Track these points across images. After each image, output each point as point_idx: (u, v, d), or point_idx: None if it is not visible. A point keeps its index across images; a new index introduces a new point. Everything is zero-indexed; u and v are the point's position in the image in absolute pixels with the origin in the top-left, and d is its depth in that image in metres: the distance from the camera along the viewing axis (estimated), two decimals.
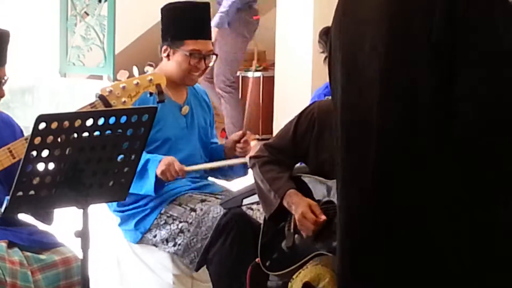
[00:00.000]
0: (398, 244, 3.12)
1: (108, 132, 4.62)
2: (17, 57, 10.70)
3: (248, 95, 5.91)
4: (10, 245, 4.91)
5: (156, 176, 5.59)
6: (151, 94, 5.25)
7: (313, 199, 4.78)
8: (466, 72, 2.80)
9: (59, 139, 4.46)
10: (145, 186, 5.62)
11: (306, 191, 4.85)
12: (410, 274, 3.11)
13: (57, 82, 10.91)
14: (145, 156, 5.52)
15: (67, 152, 4.51)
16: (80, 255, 4.72)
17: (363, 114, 3.11)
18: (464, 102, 2.81)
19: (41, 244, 5.08)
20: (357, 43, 3.10)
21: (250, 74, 12.04)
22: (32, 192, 4.54)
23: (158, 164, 5.61)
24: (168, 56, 5.93)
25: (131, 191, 5.32)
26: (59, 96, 10.39)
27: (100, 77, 10.57)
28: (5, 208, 4.62)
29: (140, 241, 5.82)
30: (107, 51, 10.77)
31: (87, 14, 11.12)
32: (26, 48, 10.40)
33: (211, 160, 6.20)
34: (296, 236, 4.88)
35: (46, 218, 5.11)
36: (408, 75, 2.93)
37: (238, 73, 12.56)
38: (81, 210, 4.62)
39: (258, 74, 11.83)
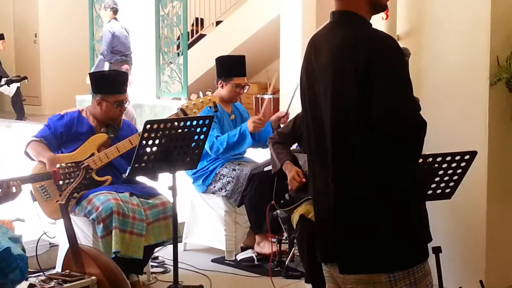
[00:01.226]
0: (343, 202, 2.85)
1: (186, 130, 4.73)
2: (131, 86, 10.73)
3: (264, 108, 5.85)
4: (131, 194, 4.96)
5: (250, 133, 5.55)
6: (210, 107, 5.29)
7: (299, 167, 4.75)
8: (375, 96, 2.67)
9: (158, 134, 4.60)
10: (246, 143, 5.60)
11: (296, 162, 4.81)
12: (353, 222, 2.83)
13: (155, 101, 10.89)
14: (235, 131, 5.64)
15: (162, 141, 4.64)
16: (171, 200, 4.83)
17: (321, 123, 2.88)
18: (375, 112, 2.66)
19: (149, 193, 5.11)
20: (313, 80, 2.91)
21: (265, 96, 11.99)
22: (143, 164, 4.68)
23: (246, 128, 5.57)
24: (222, 86, 5.86)
25: (236, 152, 5.75)
26: (156, 109, 10.37)
27: (179, 99, 10.60)
28: (128, 173, 4.76)
29: (205, 191, 5.83)
30: (183, 84, 10.73)
31: (171, 63, 11.10)
32: (137, 80, 10.42)
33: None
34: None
35: (153, 178, 5.14)
36: (344, 99, 2.75)
37: (257, 95, 12.29)
38: (171, 175, 4.76)
39: (270, 96, 11.76)
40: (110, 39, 11.02)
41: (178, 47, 11.25)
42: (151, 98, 11.06)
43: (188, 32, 12.48)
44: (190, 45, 12.20)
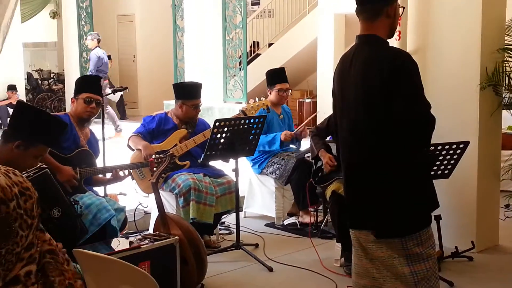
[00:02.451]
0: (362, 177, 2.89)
1: (245, 126, 4.74)
2: (205, 92, 10.80)
3: (296, 130, 5.79)
4: (204, 175, 4.99)
5: (280, 140, 5.53)
6: (263, 109, 5.29)
7: (332, 154, 4.68)
8: (399, 100, 2.70)
9: (224, 129, 4.60)
10: (275, 146, 5.56)
11: (329, 150, 4.74)
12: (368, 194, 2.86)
13: (222, 105, 10.96)
14: (271, 135, 5.61)
15: (228, 135, 4.64)
16: (234, 179, 4.86)
17: (346, 120, 2.93)
18: (399, 112, 2.70)
19: (218, 174, 5.15)
20: (344, 88, 2.94)
21: (306, 100, 11.99)
22: (213, 152, 4.68)
23: (279, 136, 5.55)
24: (270, 92, 5.81)
25: (266, 149, 5.65)
26: (222, 111, 10.42)
27: (241, 103, 10.62)
28: (202, 159, 4.81)
29: (260, 173, 5.83)
30: (243, 91, 10.78)
31: (235, 75, 11.15)
32: (209, 88, 10.49)
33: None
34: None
35: (225, 160, 5.04)
36: (372, 101, 2.78)
37: (300, 99, 12.22)
38: (235, 160, 4.78)
39: (309, 100, 11.69)
40: (96, 61, 11.56)
41: (240, 63, 11.29)
42: (219, 102, 11.15)
43: (248, 52, 12.54)
44: (249, 62, 12.24)
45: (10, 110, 12.07)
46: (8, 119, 10.48)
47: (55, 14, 15.94)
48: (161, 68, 14.22)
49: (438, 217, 4.46)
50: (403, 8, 2.98)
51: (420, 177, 2.84)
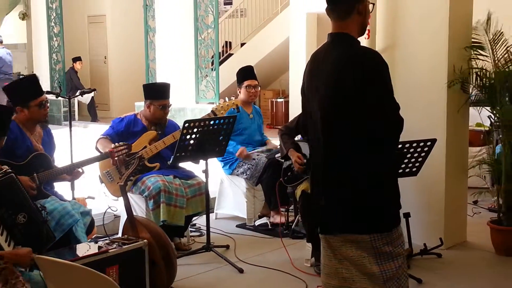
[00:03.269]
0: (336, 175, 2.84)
1: (215, 126, 4.70)
2: (177, 93, 10.70)
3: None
4: (174, 176, 4.93)
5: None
6: (233, 109, 5.25)
7: (301, 153, 4.66)
8: (370, 101, 2.67)
9: (194, 130, 4.56)
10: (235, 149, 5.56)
11: (298, 149, 4.71)
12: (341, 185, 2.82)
13: (194, 105, 10.88)
14: (234, 143, 5.61)
15: (197, 136, 4.59)
16: (204, 180, 4.82)
17: (315, 119, 2.88)
18: (370, 112, 2.67)
19: (188, 175, 5.08)
20: (314, 87, 2.88)
21: (279, 100, 11.99)
22: (183, 154, 4.63)
23: (237, 149, 5.61)
24: (240, 91, 5.83)
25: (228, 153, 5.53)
26: (195, 111, 10.35)
27: (213, 103, 10.56)
28: (171, 160, 4.73)
29: (231, 174, 5.80)
30: (215, 91, 10.71)
31: (207, 76, 11.09)
32: (181, 88, 10.40)
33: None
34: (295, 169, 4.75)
35: (195, 162, 4.95)
36: (343, 100, 2.73)
37: (272, 99, 12.30)
38: (205, 161, 4.75)
39: (282, 100, 11.65)
40: None
41: (212, 63, 11.24)
42: (192, 103, 11.06)
43: (220, 52, 12.50)
44: (221, 62, 12.22)
45: None
46: None
47: (25, 15, 15.68)
48: (132, 69, 14.11)
49: (407, 215, 4.49)
50: (373, 4, 2.91)
51: (390, 177, 2.83)
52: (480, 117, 5.21)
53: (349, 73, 2.71)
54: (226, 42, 13.92)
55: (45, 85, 14.24)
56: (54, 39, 14.32)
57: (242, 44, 13.53)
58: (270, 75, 12.97)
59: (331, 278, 2.90)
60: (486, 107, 4.88)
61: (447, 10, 4.69)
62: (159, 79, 11.51)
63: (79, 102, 14.33)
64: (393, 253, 2.78)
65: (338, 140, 2.79)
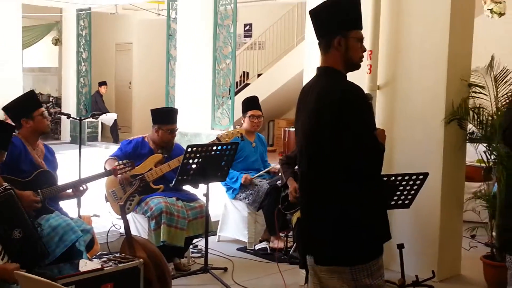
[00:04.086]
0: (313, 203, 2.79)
1: (218, 152, 4.67)
2: (194, 119, 10.72)
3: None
4: (177, 199, 4.89)
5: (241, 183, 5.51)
6: (238, 137, 5.22)
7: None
8: (347, 133, 2.60)
9: (197, 155, 4.54)
10: (236, 184, 5.53)
11: (297, 177, 4.65)
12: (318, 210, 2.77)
13: (210, 131, 10.86)
14: (237, 173, 5.56)
15: (200, 160, 4.57)
16: (205, 203, 4.77)
17: (301, 147, 2.84)
18: (347, 145, 2.61)
19: (190, 198, 5.04)
20: (302, 118, 2.82)
21: (291, 129, 11.90)
22: (185, 177, 4.62)
23: (241, 178, 5.51)
24: (244, 120, 5.79)
25: (229, 185, 5.57)
26: (210, 137, 10.29)
27: (227, 129, 10.58)
28: (174, 183, 4.72)
29: (234, 198, 5.68)
30: (230, 119, 10.71)
31: (223, 104, 11.08)
32: (197, 115, 10.41)
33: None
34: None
35: (194, 186, 4.98)
36: (322, 132, 2.67)
37: (285, 128, 12.08)
38: (206, 185, 4.69)
39: (293, 129, 11.56)
40: None
41: (228, 92, 11.26)
42: (207, 129, 11.07)
43: (237, 82, 12.54)
44: (238, 91, 12.21)
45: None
46: None
47: (57, 41, 15.94)
48: (154, 94, 14.17)
49: (401, 246, 4.38)
50: (361, 40, 2.82)
51: (369, 208, 2.72)
52: (478, 153, 5.09)
53: (327, 106, 2.64)
54: (244, 72, 13.97)
55: (72, 106, 14.41)
56: (82, 64, 14.50)
57: (259, 75, 13.56)
58: (284, 105, 12.94)
59: None
60: (482, 144, 4.76)
61: (446, 48, 4.62)
62: (178, 105, 11.53)
63: (102, 124, 14.43)
64: (373, 285, 2.69)
65: (316, 173, 2.73)
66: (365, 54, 2.87)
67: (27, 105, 4.18)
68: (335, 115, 2.62)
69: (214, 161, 4.67)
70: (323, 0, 2.78)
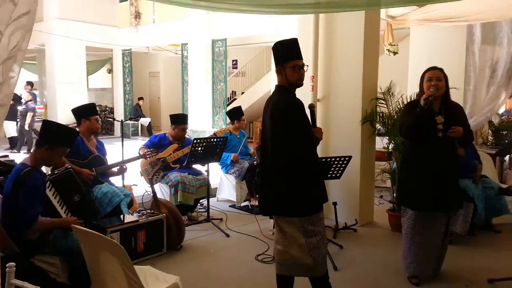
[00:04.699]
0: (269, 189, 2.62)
1: (213, 143, 4.50)
2: (201, 121, 10.58)
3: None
4: (189, 173, 4.73)
5: (231, 160, 5.33)
6: (227, 132, 5.10)
7: None
8: (289, 129, 2.42)
9: (200, 145, 4.38)
10: (228, 161, 5.33)
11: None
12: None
13: (211, 129, 10.71)
14: (228, 154, 5.36)
15: (202, 148, 4.41)
16: (206, 176, 4.63)
17: (266, 146, 2.62)
18: (290, 135, 2.43)
19: (197, 173, 4.84)
20: (263, 120, 2.62)
21: None
22: (193, 159, 4.44)
23: (231, 156, 5.32)
24: (232, 123, 5.57)
25: (223, 163, 5.36)
26: (211, 133, 10.13)
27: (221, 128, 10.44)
28: (185, 163, 4.53)
29: (226, 173, 5.45)
30: (224, 121, 10.57)
31: (219, 112, 10.92)
32: (203, 119, 10.24)
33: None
34: None
35: (202, 165, 4.66)
36: (275, 129, 2.49)
37: (260, 127, 11.96)
38: (207, 164, 4.53)
39: None
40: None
41: (222, 104, 11.10)
42: (209, 127, 10.96)
43: (228, 97, 12.39)
44: (229, 104, 12.05)
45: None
46: None
47: (110, 70, 15.64)
48: (174, 105, 13.96)
49: (335, 203, 4.31)
50: (301, 66, 2.61)
51: (309, 179, 2.58)
52: (383, 143, 5.02)
53: (277, 114, 2.50)
54: (233, 91, 13.81)
55: (120, 114, 14.10)
56: (127, 85, 14.21)
57: (243, 93, 13.40)
58: (259, 111, 12.75)
59: (278, 244, 2.71)
60: (385, 136, 4.70)
61: (361, 74, 4.53)
62: (190, 112, 11.37)
63: (141, 125, 14.16)
64: (315, 231, 2.58)
65: (274, 156, 2.57)
66: (308, 77, 2.73)
67: (88, 110, 4.03)
68: (281, 118, 2.48)
69: (212, 149, 4.54)
70: (279, 39, 2.65)
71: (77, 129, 3.87)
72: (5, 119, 10.74)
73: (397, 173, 4.39)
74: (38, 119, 13.89)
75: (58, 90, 12.56)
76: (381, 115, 4.61)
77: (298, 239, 2.58)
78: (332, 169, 3.84)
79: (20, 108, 9.98)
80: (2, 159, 3.45)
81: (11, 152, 9.57)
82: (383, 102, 4.62)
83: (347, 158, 3.83)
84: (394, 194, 4.65)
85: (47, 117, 13.29)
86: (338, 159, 3.80)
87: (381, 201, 5.67)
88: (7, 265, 1.26)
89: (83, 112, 4.00)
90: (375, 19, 4.63)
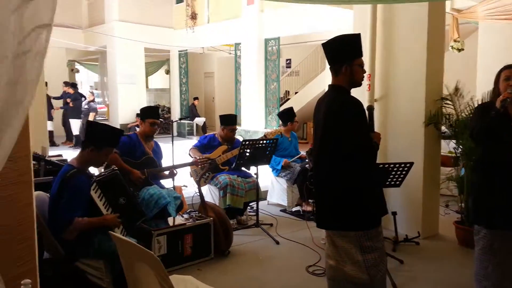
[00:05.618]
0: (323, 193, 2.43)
1: (263, 144, 4.33)
2: (254, 122, 10.50)
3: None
4: (238, 176, 4.58)
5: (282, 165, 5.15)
6: (278, 134, 4.91)
7: None
8: (344, 132, 2.25)
9: (249, 146, 4.23)
10: (279, 166, 5.16)
11: None
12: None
13: (263, 130, 10.61)
14: (279, 158, 5.16)
15: (251, 150, 4.26)
16: (256, 179, 4.46)
17: (318, 151, 2.42)
18: (345, 139, 2.25)
19: (247, 175, 4.67)
20: (316, 123, 2.46)
21: None
22: (241, 161, 4.30)
23: (282, 162, 5.15)
24: (284, 125, 5.38)
25: (274, 167, 5.19)
26: (262, 134, 10.07)
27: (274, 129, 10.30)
28: (233, 166, 4.44)
29: (277, 176, 5.29)
30: (277, 121, 10.42)
31: (272, 112, 10.78)
32: (256, 119, 10.15)
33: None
34: None
35: (248, 168, 4.63)
36: (327, 135, 2.33)
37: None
38: (256, 167, 4.39)
39: None
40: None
41: (275, 104, 10.93)
42: (262, 128, 10.86)
43: (281, 97, 12.19)
44: (282, 104, 11.85)
45: (137, 129, 11.81)
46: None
47: (168, 71, 16.03)
48: (228, 105, 14.04)
49: (394, 213, 3.98)
50: (362, 66, 2.42)
51: (367, 190, 2.35)
52: (449, 147, 4.57)
53: (331, 115, 2.30)
54: (286, 91, 13.59)
55: (177, 113, 14.42)
56: (183, 86, 14.50)
57: (296, 92, 13.14)
58: (312, 112, 12.48)
59: (329, 259, 2.49)
60: (452, 141, 4.26)
61: (424, 72, 4.12)
62: (243, 112, 11.33)
63: (196, 124, 14.38)
64: (373, 247, 2.33)
65: (327, 162, 2.36)
66: (365, 75, 2.50)
67: (144, 112, 3.98)
68: (336, 120, 2.28)
69: (261, 151, 4.36)
70: (333, 36, 2.43)
71: (137, 129, 3.88)
72: (71, 118, 11.49)
73: (466, 181, 3.98)
74: (102, 118, 14.65)
75: (119, 90, 13.08)
76: (447, 116, 4.19)
77: (353, 255, 2.34)
78: (392, 176, 3.52)
79: (83, 107, 10.50)
80: (55, 159, 3.49)
81: (74, 149, 10.06)
82: (450, 102, 4.20)
83: (408, 165, 3.48)
84: (462, 204, 4.20)
85: (109, 117, 13.92)
86: (398, 165, 3.47)
87: (447, 211, 5.18)
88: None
89: (142, 114, 3.97)
90: (440, 12, 4.22)
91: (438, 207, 4.50)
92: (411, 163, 3.50)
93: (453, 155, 4.36)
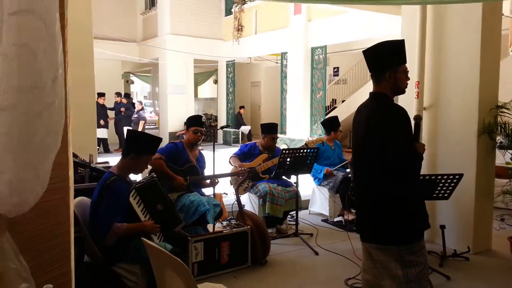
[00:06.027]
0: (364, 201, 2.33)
1: (303, 153, 4.25)
2: (299, 130, 10.39)
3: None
4: (278, 184, 4.51)
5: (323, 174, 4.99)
6: (320, 143, 4.79)
7: None
8: (387, 142, 2.14)
9: (289, 155, 4.18)
10: (320, 175, 5.01)
11: None
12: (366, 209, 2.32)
13: (308, 137, 10.48)
14: (321, 167, 5.04)
15: (291, 159, 4.20)
16: (296, 188, 4.39)
17: (356, 152, 2.37)
18: (388, 149, 2.13)
19: (287, 184, 4.59)
20: (356, 130, 2.38)
21: None
22: (281, 170, 4.24)
23: (324, 170, 4.99)
24: (327, 134, 5.25)
25: (316, 176, 5.04)
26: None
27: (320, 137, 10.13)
28: (273, 174, 4.39)
29: (319, 185, 5.13)
30: (322, 130, 10.23)
31: (317, 120, 10.62)
32: (301, 127, 9.99)
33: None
34: None
35: (288, 177, 4.58)
36: (368, 143, 2.23)
37: None
38: (296, 176, 4.32)
39: None
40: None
41: (322, 112, 10.77)
42: (307, 136, 10.69)
43: (328, 106, 11.99)
44: (329, 112, 11.65)
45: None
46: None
47: (215, 81, 16.34)
48: (273, 114, 14.02)
49: (442, 226, 3.75)
50: (406, 73, 2.32)
51: (410, 203, 2.22)
52: (506, 158, 4.24)
53: (373, 125, 2.21)
54: (333, 99, 13.35)
55: (223, 121, 14.65)
56: (230, 95, 14.70)
57: (343, 101, 12.87)
58: None
59: (366, 273, 2.39)
60: (509, 151, 3.94)
61: (478, 79, 3.87)
62: (288, 121, 11.26)
63: (242, 132, 14.49)
64: (415, 262, 2.20)
65: (368, 174, 2.26)
66: (413, 83, 2.38)
67: (189, 121, 4.03)
68: (379, 130, 2.18)
69: (302, 159, 4.28)
70: (374, 43, 2.34)
71: (181, 142, 3.97)
72: (124, 126, 12.02)
73: None
74: (153, 127, 15.20)
75: (169, 100, 13.52)
76: (503, 125, 3.90)
77: (392, 269, 2.22)
78: (439, 188, 3.30)
79: (133, 116, 10.97)
80: (101, 166, 3.63)
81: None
82: (506, 111, 3.90)
83: (457, 177, 3.25)
84: None
85: (159, 125, 14.42)
86: (446, 177, 3.25)
87: (502, 225, 4.80)
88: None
89: (186, 123, 4.02)
90: (496, 13, 3.95)
91: (492, 221, 4.19)
92: (460, 175, 3.27)
93: (510, 166, 4.04)
